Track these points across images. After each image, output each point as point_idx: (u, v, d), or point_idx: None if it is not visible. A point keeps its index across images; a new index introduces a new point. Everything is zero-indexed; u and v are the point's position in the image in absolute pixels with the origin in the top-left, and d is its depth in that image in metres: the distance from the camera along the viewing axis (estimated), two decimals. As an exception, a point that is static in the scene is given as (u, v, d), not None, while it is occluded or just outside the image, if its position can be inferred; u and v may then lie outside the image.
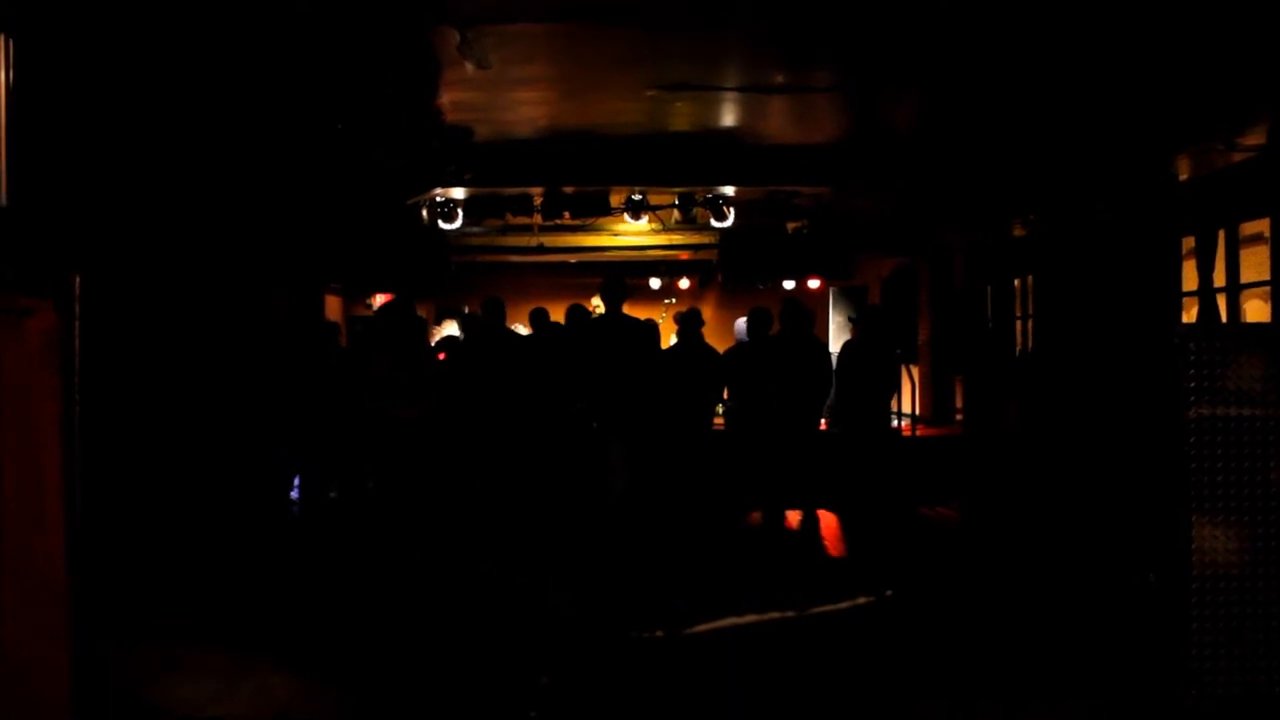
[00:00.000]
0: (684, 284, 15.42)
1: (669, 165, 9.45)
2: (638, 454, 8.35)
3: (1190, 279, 8.92)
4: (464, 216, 10.39)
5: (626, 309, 8.70)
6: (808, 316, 9.28)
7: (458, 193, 10.17)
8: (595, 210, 10.44)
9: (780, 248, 11.89)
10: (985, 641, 5.48)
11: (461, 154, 8.80)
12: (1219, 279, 8.60)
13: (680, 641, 5.17)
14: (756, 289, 12.45)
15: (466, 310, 11.60)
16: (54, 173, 4.75)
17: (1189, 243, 8.97)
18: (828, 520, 9.17)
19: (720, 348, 9.10)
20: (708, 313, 12.11)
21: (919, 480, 9.77)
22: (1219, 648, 4.44)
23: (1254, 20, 5.28)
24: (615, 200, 10.39)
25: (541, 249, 12.78)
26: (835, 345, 11.32)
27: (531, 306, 9.50)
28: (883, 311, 10.14)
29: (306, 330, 9.95)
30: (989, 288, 12.14)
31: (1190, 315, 8.93)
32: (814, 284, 12.46)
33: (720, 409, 9.57)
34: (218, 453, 7.84)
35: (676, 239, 12.71)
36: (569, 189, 10.11)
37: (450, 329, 11.28)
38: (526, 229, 12.10)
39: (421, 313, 10.18)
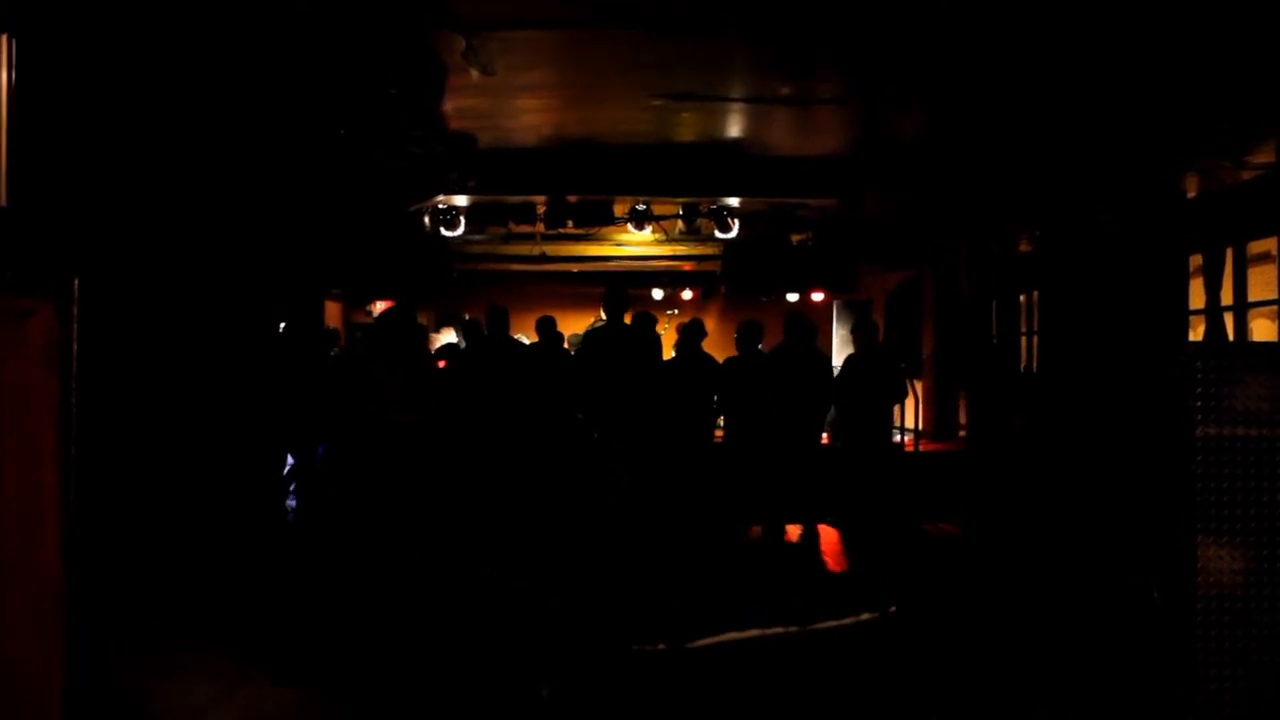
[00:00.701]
0: (687, 295, 15.44)
1: (673, 175, 9.47)
2: (637, 464, 8.35)
3: (1197, 297, 8.92)
4: (466, 224, 10.41)
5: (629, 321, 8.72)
6: (810, 329, 9.29)
7: (460, 200, 10.18)
8: (599, 220, 10.45)
9: (784, 260, 11.90)
10: (988, 659, 5.47)
11: (464, 161, 8.82)
12: (1226, 297, 8.60)
13: (682, 655, 5.17)
14: (760, 301, 12.46)
15: (467, 317, 11.60)
16: (54, 174, 4.76)
17: (1196, 260, 8.98)
18: (828, 535, 9.16)
19: (723, 360, 9.11)
20: (710, 325, 12.07)
21: (921, 495, 9.76)
22: (1224, 669, 4.43)
23: (1263, 36, 5.29)
24: (619, 210, 10.41)
25: (544, 258, 12.79)
26: (839, 359, 11.32)
27: (532, 315, 9.53)
28: (877, 325, 10.13)
29: (306, 335, 9.95)
30: (994, 302, 12.14)
31: (1197, 333, 8.93)
32: (818, 296, 12.48)
33: (720, 421, 9.58)
34: (216, 455, 7.83)
35: (680, 250, 12.72)
36: (572, 198, 10.12)
37: (449, 336, 11.29)
38: (529, 237, 12.11)
39: (421, 320, 10.19)
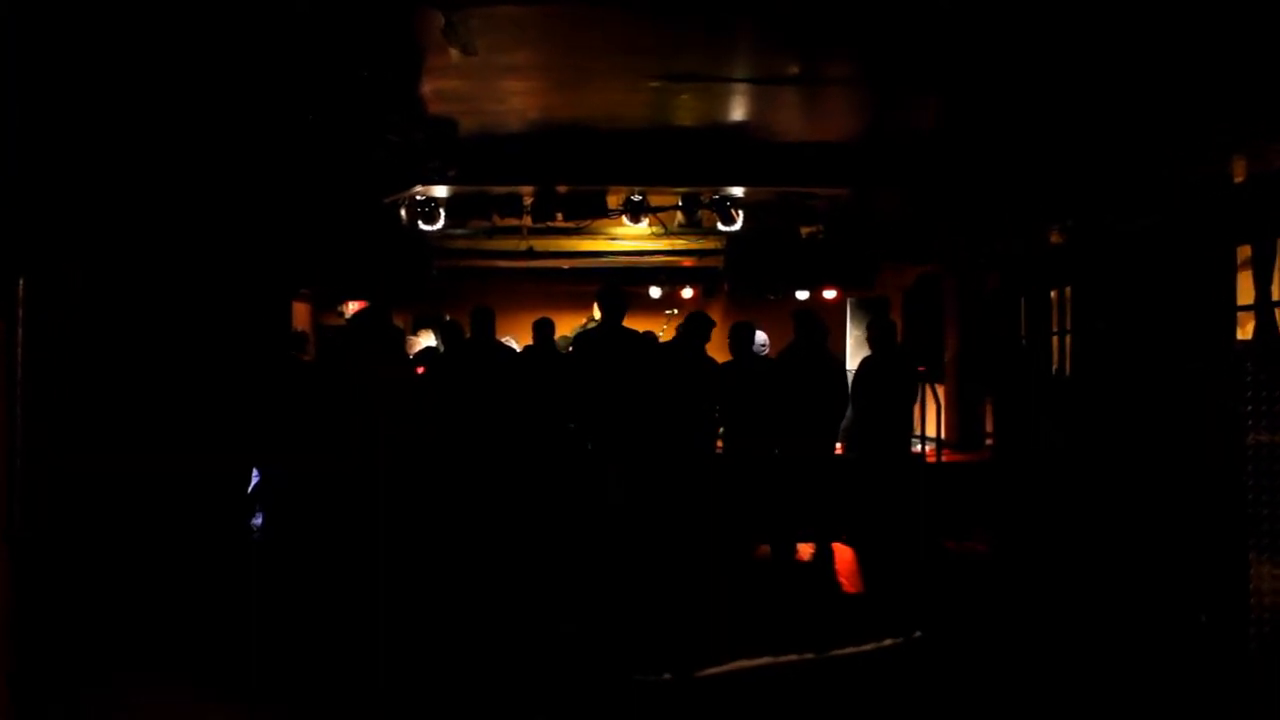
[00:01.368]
0: (687, 293, 15.41)
1: (672, 163, 9.45)
2: (633, 478, 8.32)
3: (1245, 292, 8.90)
4: (447, 217, 10.37)
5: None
6: (822, 330, 9.28)
7: (440, 191, 10.15)
8: (591, 212, 10.43)
9: (793, 254, 11.86)
10: (1023, 689, 5.44)
11: (445, 149, 8.79)
12: (1277, 292, 8.58)
13: (689, 685, 5.13)
14: (766, 300, 12.43)
15: (448, 318, 11.57)
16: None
17: (1244, 251, 8.96)
18: (843, 554, 9.14)
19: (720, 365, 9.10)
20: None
21: (944, 510, 9.73)
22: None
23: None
24: (613, 201, 10.38)
25: (531, 253, 12.76)
26: (853, 362, 11.30)
27: (520, 316, 9.52)
28: (894, 325, 10.12)
29: (272, 340, 9.91)
30: (1022, 299, 12.13)
31: (1245, 331, 8.91)
32: (829, 294, 12.45)
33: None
34: (175, 469, 7.80)
35: (679, 244, 12.69)
36: (562, 188, 10.09)
37: (428, 339, 11.25)
38: (515, 231, 12.07)
39: (398, 322, 10.15)
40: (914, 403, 9.59)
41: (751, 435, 8.85)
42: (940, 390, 12.46)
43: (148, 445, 7.60)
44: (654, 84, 7.15)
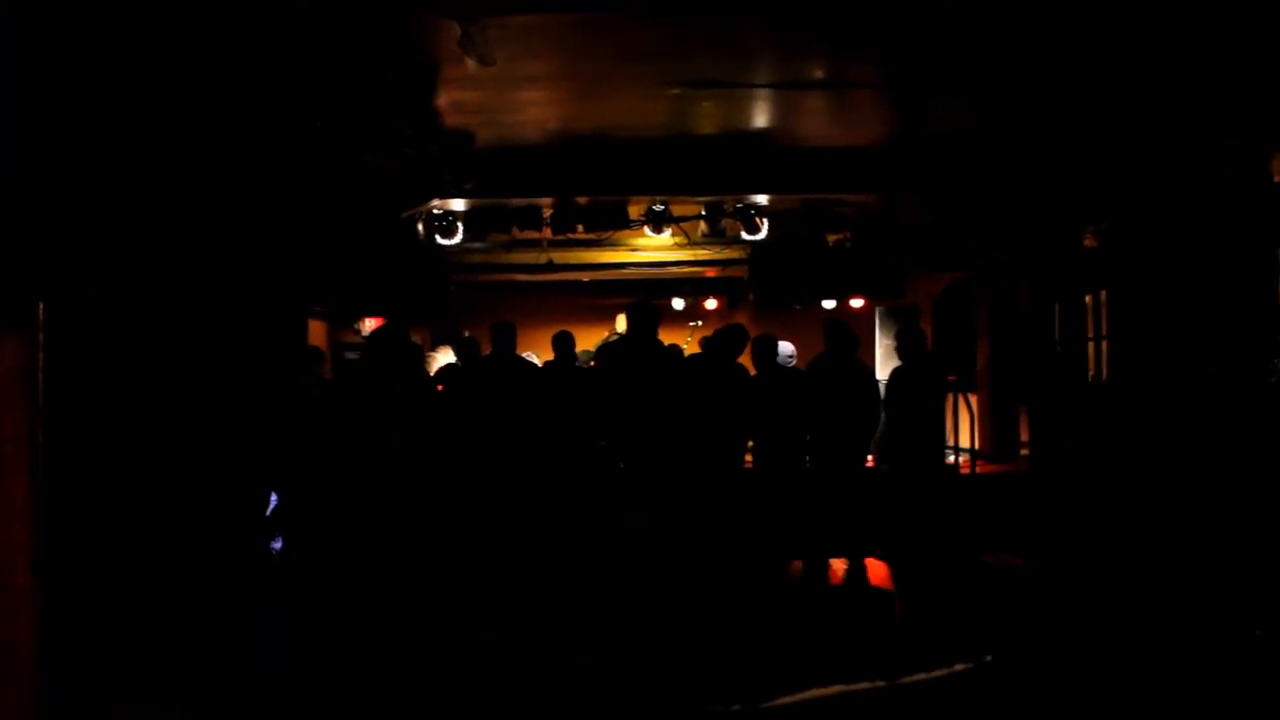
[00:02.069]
0: (711, 304, 15.42)
1: (694, 172, 9.49)
2: (662, 495, 8.33)
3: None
4: (465, 231, 10.44)
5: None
6: (852, 339, 9.28)
7: (458, 204, 10.21)
8: (612, 223, 10.47)
9: (819, 263, 11.86)
10: (1095, 714, 5.33)
11: (462, 161, 8.86)
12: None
13: (760, 715, 5.08)
14: (793, 309, 12.43)
15: (467, 334, 11.61)
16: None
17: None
18: (877, 570, 9.12)
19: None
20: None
21: (980, 524, 9.71)
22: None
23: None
24: (634, 212, 10.43)
25: (551, 266, 12.82)
26: (882, 372, 11.29)
27: (539, 330, 9.55)
28: (924, 334, 10.10)
29: (287, 358, 9.98)
30: (1057, 305, 12.09)
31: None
32: (857, 303, 12.44)
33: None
34: (192, 491, 7.86)
35: (702, 254, 12.71)
36: (582, 199, 10.14)
37: (447, 356, 11.29)
38: (534, 244, 12.14)
39: (416, 338, 10.19)
40: (944, 413, 9.57)
41: (781, 448, 8.85)
42: (973, 400, 12.45)
43: (163, 471, 7.66)
44: (674, 91, 7.19)
